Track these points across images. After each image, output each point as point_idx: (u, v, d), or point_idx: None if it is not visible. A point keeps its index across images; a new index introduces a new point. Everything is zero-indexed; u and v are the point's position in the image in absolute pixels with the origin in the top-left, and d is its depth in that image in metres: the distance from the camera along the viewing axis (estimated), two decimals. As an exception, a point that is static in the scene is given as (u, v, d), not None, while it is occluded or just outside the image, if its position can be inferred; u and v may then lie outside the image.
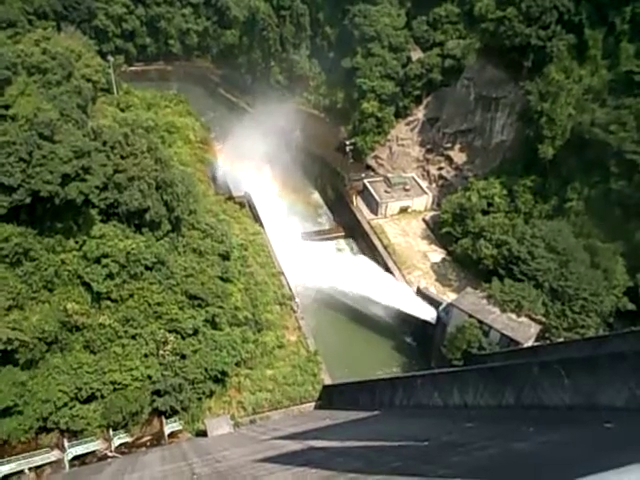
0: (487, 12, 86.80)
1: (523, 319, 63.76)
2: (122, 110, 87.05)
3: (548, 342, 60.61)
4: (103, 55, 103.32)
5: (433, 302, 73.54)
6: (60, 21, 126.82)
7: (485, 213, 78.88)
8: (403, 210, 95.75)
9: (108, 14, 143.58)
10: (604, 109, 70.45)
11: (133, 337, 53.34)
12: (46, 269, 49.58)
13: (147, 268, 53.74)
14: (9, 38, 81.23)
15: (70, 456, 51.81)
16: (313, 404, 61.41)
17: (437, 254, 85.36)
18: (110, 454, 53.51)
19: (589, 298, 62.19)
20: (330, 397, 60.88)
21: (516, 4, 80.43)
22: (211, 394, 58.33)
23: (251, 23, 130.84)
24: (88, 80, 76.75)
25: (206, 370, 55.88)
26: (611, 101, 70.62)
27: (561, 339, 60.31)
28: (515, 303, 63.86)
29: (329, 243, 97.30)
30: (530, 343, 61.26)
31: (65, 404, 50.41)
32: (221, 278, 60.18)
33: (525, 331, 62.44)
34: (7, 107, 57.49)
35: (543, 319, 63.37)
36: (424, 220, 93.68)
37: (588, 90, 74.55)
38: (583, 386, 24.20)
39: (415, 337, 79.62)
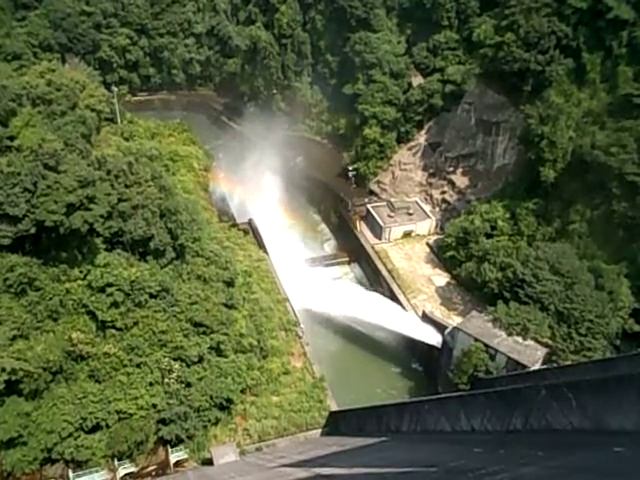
0: (486, 38, 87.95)
1: (529, 342, 63.45)
2: (126, 139, 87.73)
3: (555, 365, 60.22)
4: (107, 85, 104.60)
5: (438, 326, 73.24)
6: (65, 53, 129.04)
7: (489, 236, 78.92)
8: (407, 234, 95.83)
9: (112, 45, 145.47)
10: (604, 132, 70.90)
11: (138, 366, 53.12)
12: (51, 298, 49.62)
13: (152, 296, 53.74)
14: (15, 70, 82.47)
15: (75, 487, 51.34)
16: (319, 431, 60.81)
17: (441, 278, 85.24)
18: (115, 485, 53.00)
19: (595, 320, 61.90)
20: (337, 423, 60.37)
21: (514, 30, 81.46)
22: (217, 422, 57.85)
23: (253, 52, 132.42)
24: (92, 110, 77.49)
25: (211, 398, 55.49)
26: (611, 124, 71.08)
27: (568, 362, 59.91)
28: (521, 326, 63.61)
29: (333, 268, 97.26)
30: (537, 366, 60.89)
31: (70, 434, 49.97)
32: (226, 305, 60.07)
33: (532, 354, 62.09)
34: (12, 138, 58.20)
35: (549, 342, 63.08)
36: (428, 244, 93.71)
37: (588, 113, 75.10)
38: (591, 409, 24.03)
39: (421, 362, 79.18)
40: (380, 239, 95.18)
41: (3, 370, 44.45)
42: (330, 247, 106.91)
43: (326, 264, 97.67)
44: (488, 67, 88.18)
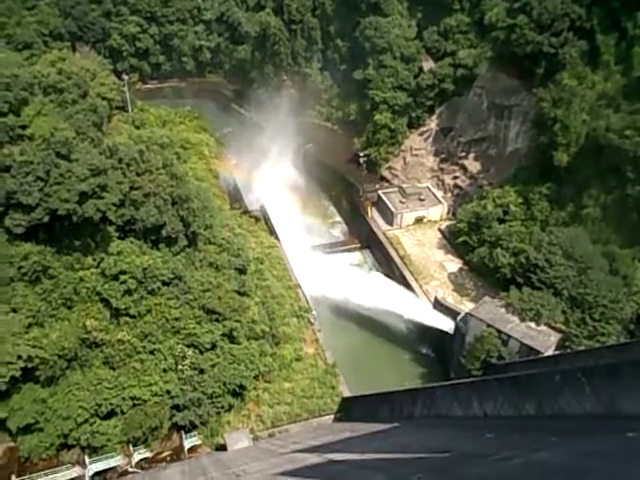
0: (498, 20, 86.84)
1: (542, 328, 63.20)
2: (137, 127, 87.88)
3: (568, 351, 60.00)
4: (118, 74, 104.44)
5: (451, 312, 73.09)
6: (75, 42, 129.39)
7: (501, 221, 78.40)
8: (418, 220, 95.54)
9: (122, 33, 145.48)
10: (618, 114, 69.93)
11: (152, 352, 53.62)
12: (65, 286, 50.08)
13: (164, 283, 54.08)
14: (26, 60, 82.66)
15: (91, 472, 51.98)
16: (332, 417, 61.14)
17: (454, 264, 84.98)
18: (131, 470, 53.60)
19: (609, 305, 61.46)
20: (349, 409, 60.61)
21: (527, 12, 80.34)
22: (230, 408, 58.33)
23: (262, 38, 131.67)
24: (103, 98, 77.64)
25: (224, 384, 55.94)
26: (625, 106, 70.05)
27: (582, 347, 59.65)
28: (534, 312, 63.32)
29: (345, 255, 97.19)
30: (550, 352, 60.69)
31: (85, 420, 50.70)
32: (238, 292, 60.32)
33: (545, 340, 61.86)
34: (24, 127, 58.40)
35: (563, 327, 62.76)
36: (440, 230, 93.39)
37: (602, 96, 74.06)
38: (605, 395, 23.91)
39: (433, 348, 79.15)
40: (392, 225, 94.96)
41: (19, 357, 45.09)
42: (341, 233, 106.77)
43: (337, 250, 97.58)
44: (500, 50, 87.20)
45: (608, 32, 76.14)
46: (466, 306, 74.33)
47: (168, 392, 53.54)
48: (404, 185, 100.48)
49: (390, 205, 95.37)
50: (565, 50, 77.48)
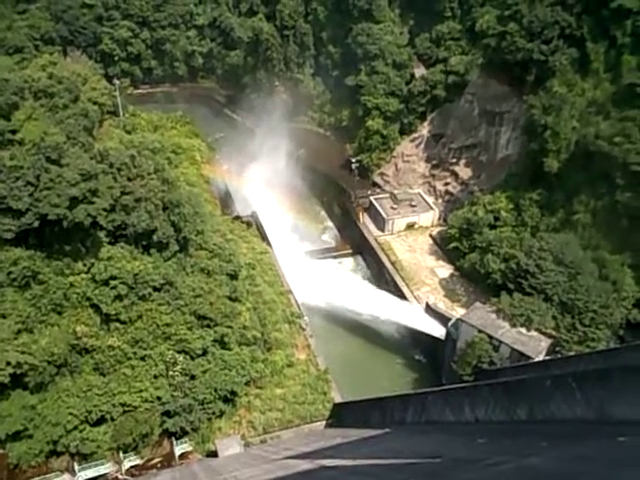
0: (488, 28, 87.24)
1: (533, 333, 63.38)
2: (128, 132, 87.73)
3: (559, 356, 60.18)
4: (109, 78, 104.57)
5: (442, 318, 73.16)
6: (66, 46, 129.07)
7: (492, 227, 78.69)
8: (410, 226, 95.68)
9: (114, 38, 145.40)
10: (608, 121, 70.39)
11: (142, 358, 53.29)
12: (55, 292, 49.72)
13: (155, 289, 53.79)
14: (16, 64, 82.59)
15: (81, 480, 51.65)
16: (324, 423, 60.98)
17: (445, 269, 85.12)
18: (121, 477, 53.30)
19: (599, 310, 61.80)
20: (341, 415, 60.48)
21: (517, 19, 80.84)
22: (221, 414, 58.06)
23: (255, 44, 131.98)
24: (94, 103, 77.54)
25: (216, 390, 55.67)
26: (615, 113, 70.53)
27: (572, 353, 59.84)
28: (525, 317, 63.50)
29: (336, 261, 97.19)
30: (541, 357, 60.85)
31: (75, 427, 50.27)
32: (229, 298, 60.12)
33: (535, 345, 62.03)
34: (14, 132, 58.20)
35: (553, 333, 62.98)
36: (431, 236, 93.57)
37: (591, 103, 74.53)
38: (595, 400, 24.00)
39: (425, 353, 79.15)
40: (383, 231, 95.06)
41: (8, 364, 44.68)
42: (333, 239, 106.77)
43: (329, 256, 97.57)
44: (491, 57, 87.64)
45: (598, 40, 76.61)
46: (457, 312, 74.43)
47: (159, 398, 53.20)
48: (395, 191, 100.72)
49: (381, 211, 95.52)
50: (555, 58, 77.92)
